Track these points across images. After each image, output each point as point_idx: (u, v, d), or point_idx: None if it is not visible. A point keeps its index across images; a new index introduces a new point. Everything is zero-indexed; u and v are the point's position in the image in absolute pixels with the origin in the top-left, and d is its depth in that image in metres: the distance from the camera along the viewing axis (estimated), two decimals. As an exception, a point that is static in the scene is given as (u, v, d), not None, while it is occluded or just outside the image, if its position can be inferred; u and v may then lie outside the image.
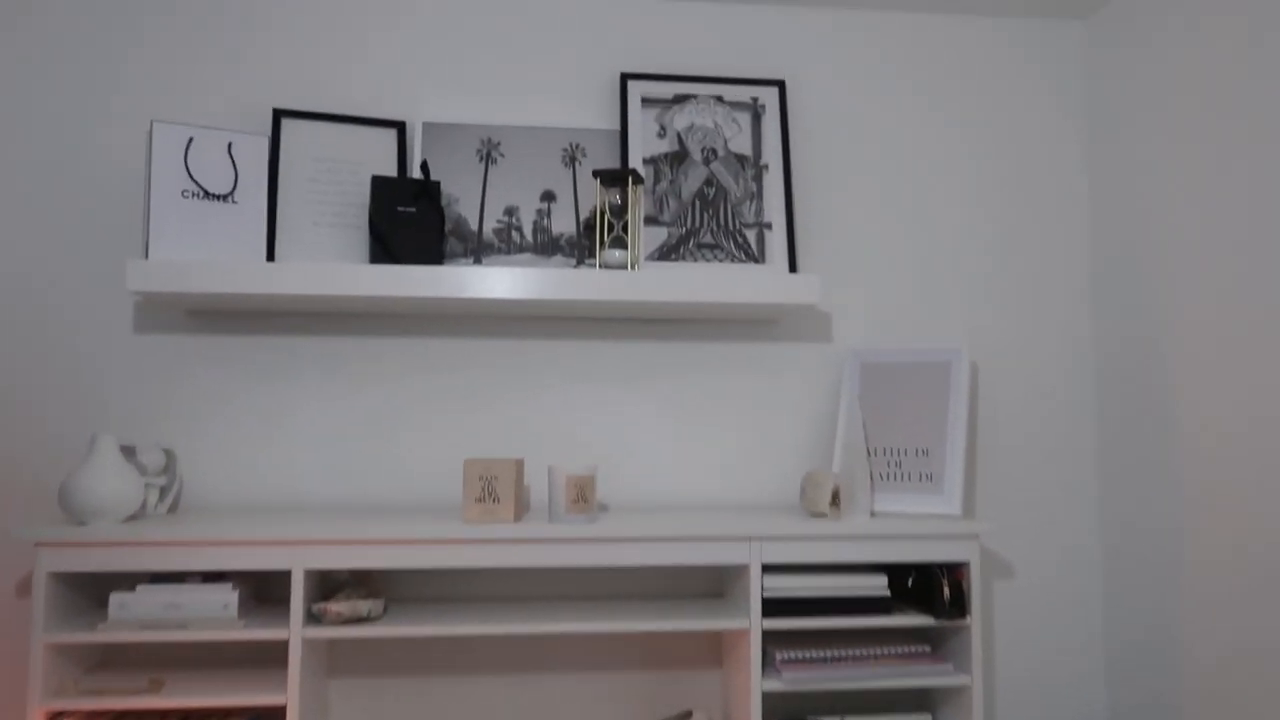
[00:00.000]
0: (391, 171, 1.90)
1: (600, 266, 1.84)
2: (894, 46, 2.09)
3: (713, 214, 1.94)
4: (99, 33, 1.91)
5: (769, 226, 1.95)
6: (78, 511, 1.56)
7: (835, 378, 2.01)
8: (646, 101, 1.98)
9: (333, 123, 1.89)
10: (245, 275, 1.68)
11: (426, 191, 1.82)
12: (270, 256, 1.78)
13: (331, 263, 1.80)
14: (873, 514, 1.81)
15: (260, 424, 1.88)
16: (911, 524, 1.69)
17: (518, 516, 1.69)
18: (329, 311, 1.89)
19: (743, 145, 1.98)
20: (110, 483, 1.56)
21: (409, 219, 1.81)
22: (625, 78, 1.98)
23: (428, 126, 1.94)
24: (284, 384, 1.89)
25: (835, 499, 1.80)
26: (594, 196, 1.94)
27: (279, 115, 1.86)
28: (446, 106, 1.98)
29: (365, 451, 1.90)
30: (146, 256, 1.69)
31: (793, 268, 1.93)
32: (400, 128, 1.92)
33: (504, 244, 1.91)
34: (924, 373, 1.89)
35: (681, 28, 2.05)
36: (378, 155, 1.91)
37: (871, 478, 1.83)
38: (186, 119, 1.90)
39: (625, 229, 1.87)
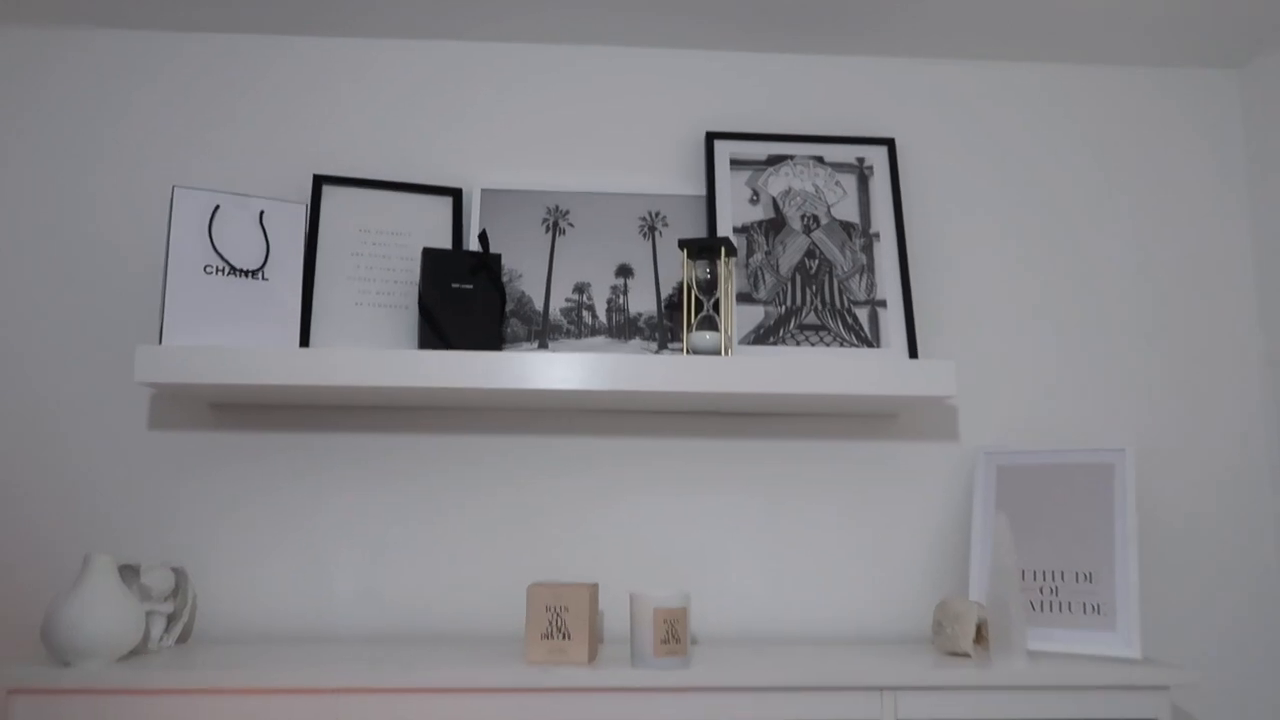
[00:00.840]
0: (445, 244, 1.66)
1: (687, 352, 1.56)
2: (1020, 101, 1.82)
3: (816, 290, 1.66)
4: (118, 93, 1.71)
5: (883, 304, 1.66)
6: (60, 650, 1.28)
7: (964, 483, 1.69)
8: (736, 163, 1.73)
9: (380, 190, 1.66)
10: (273, 363, 1.43)
11: (485, 266, 1.57)
12: (304, 341, 1.53)
13: (374, 349, 1.54)
14: (1029, 655, 1.47)
15: (288, 536, 1.61)
16: (1083, 670, 1.35)
17: (592, 656, 1.38)
18: (372, 405, 1.62)
19: (848, 211, 1.71)
20: (102, 615, 1.28)
21: (464, 297, 1.55)
22: (711, 137, 1.74)
23: (487, 194, 1.70)
24: (317, 489, 1.62)
25: (980, 635, 1.47)
26: (678, 271, 1.68)
27: (319, 181, 1.63)
28: (508, 171, 1.74)
29: (410, 571, 1.61)
30: (161, 341, 1.44)
31: (913, 352, 1.63)
32: (456, 195, 1.68)
33: (574, 326, 1.64)
34: (1078, 478, 1.57)
35: (773, 82, 1.80)
36: (430, 226, 1.66)
37: (1024, 609, 1.49)
38: (216, 185, 1.68)
39: (715, 308, 1.59)
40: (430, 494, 1.63)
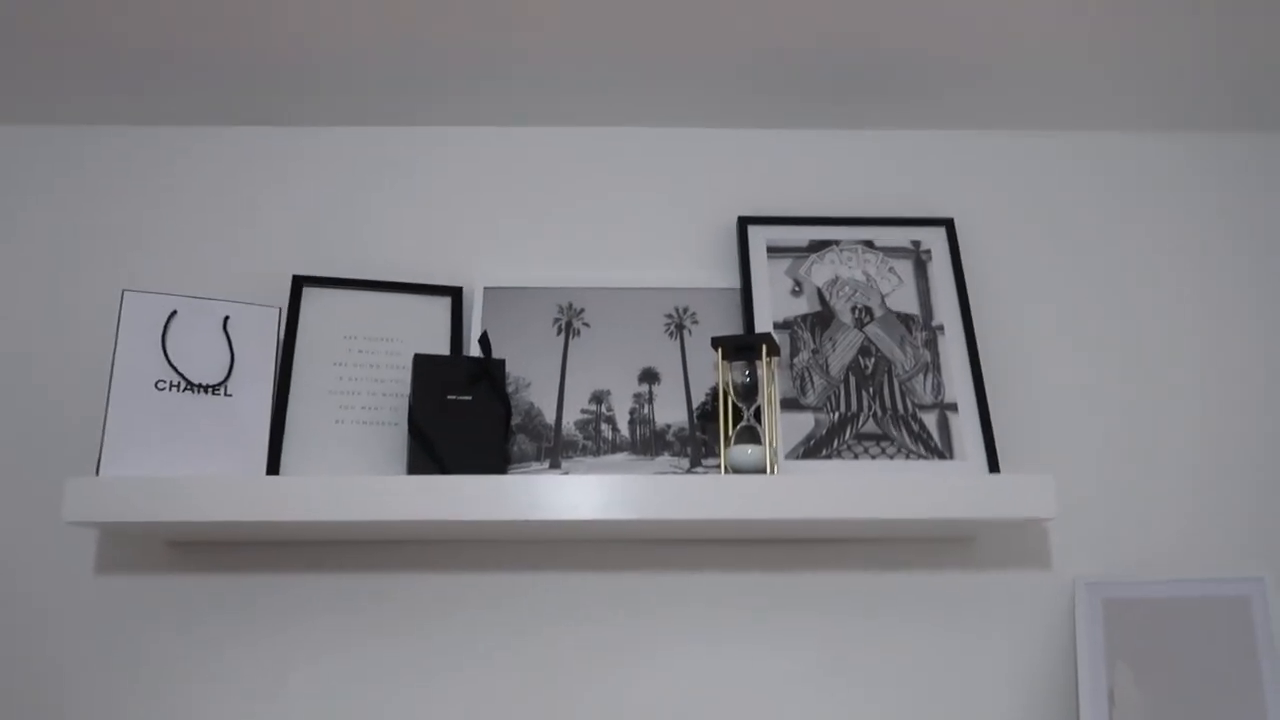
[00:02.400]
0: (443, 350, 1.44)
1: (725, 470, 1.31)
2: (1097, 172, 1.60)
3: (874, 393, 1.42)
4: (66, 189, 1.53)
5: (953, 408, 1.41)
6: None
7: (1061, 621, 1.41)
8: (774, 251, 1.51)
9: (367, 290, 1.45)
10: (232, 495, 1.20)
11: (486, 374, 1.35)
12: (274, 467, 1.30)
13: (354, 475, 1.31)
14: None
15: (255, 696, 1.34)
16: None
17: None
18: (354, 539, 1.38)
19: (906, 302, 1.48)
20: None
21: (463, 411, 1.32)
22: (744, 222, 1.53)
23: (490, 292, 1.48)
24: (289, 639, 1.36)
25: (1108, 823, 1.17)
26: (711, 375, 1.44)
27: (299, 283, 1.43)
28: (514, 266, 1.53)
29: (398, 741, 1.34)
30: (98, 471, 1.21)
31: (993, 464, 1.37)
32: (455, 294, 1.47)
33: (591, 441, 1.40)
34: (1207, 614, 1.29)
35: (811, 161, 1.60)
36: (425, 331, 1.45)
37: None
38: (177, 289, 1.48)
39: (757, 416, 1.35)
40: (424, 643, 1.37)
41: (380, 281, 1.46)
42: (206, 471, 1.25)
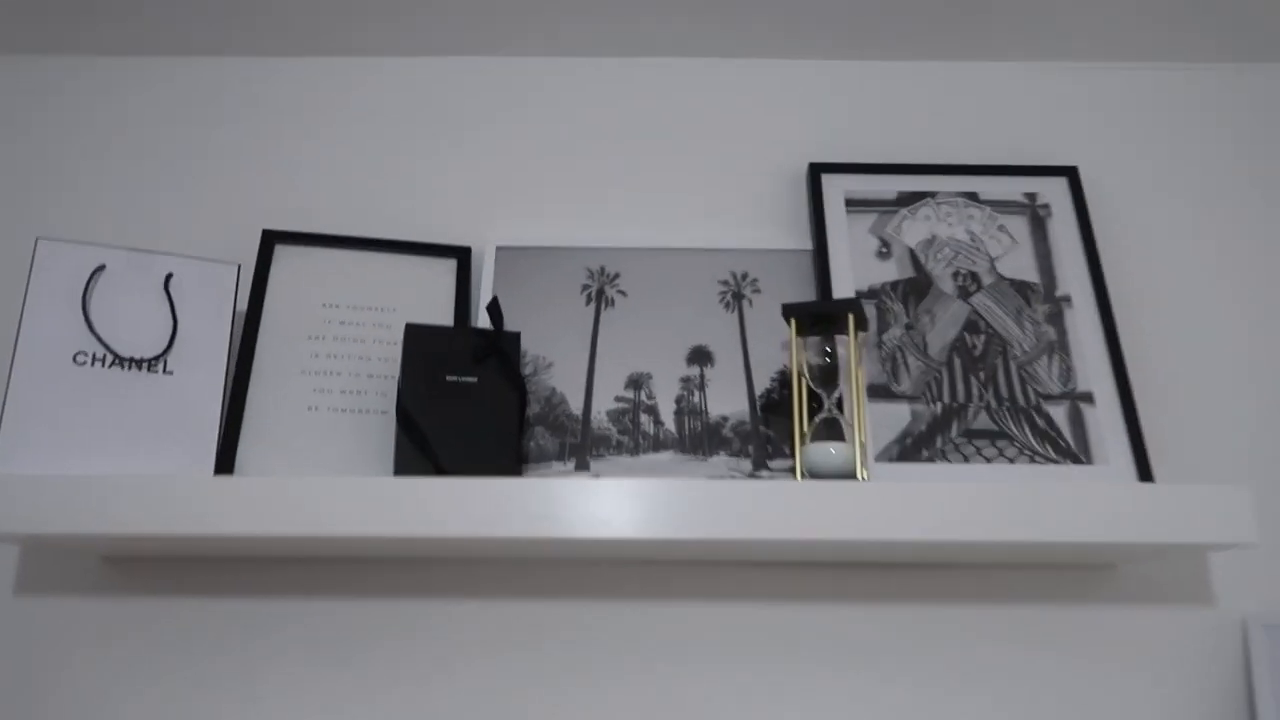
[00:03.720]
0: (446, 321, 1.16)
1: (801, 475, 1.02)
2: (1254, 108, 1.30)
3: (986, 379, 1.12)
4: None
5: (1087, 399, 1.11)
6: None
7: (1227, 669, 1.10)
8: (854, 204, 1.22)
9: (355, 250, 1.18)
10: (170, 501, 0.92)
11: (497, 350, 1.07)
12: (226, 464, 1.02)
13: (326, 477, 1.03)
14: None
15: (204, 759, 1.07)
16: None
17: None
18: (328, 556, 1.10)
19: (1022, 267, 1.18)
20: None
21: (466, 397, 1.04)
22: (817, 170, 1.23)
23: (504, 252, 1.20)
24: (246, 677, 1.08)
25: None
26: (778, 355, 1.15)
27: (270, 239, 1.16)
28: (534, 222, 1.25)
29: (381, 813, 1.06)
30: (-7, 468, 0.95)
31: (1143, 470, 1.07)
32: (463, 255, 1.20)
33: (627, 437, 1.11)
34: None
35: (898, 98, 1.31)
36: (424, 299, 1.17)
37: None
38: (111, 241, 1.21)
39: (839, 406, 1.06)
40: (416, 685, 1.08)
41: (370, 239, 1.19)
42: (137, 469, 0.97)
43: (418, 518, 0.94)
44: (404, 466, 1.01)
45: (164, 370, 1.01)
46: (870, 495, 0.95)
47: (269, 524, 0.94)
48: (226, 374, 1.04)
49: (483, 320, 1.14)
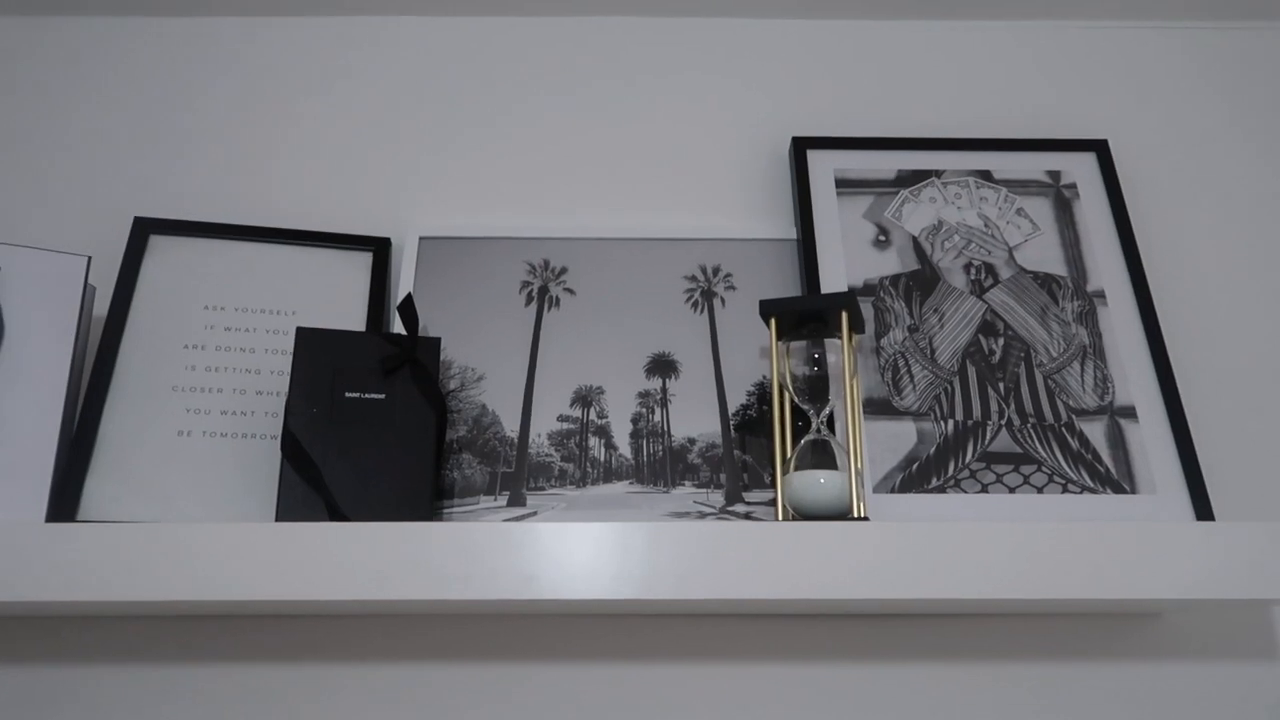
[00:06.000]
0: (359, 325, 0.96)
1: (785, 510, 0.82)
2: (1308, 71, 1.12)
3: (1008, 391, 0.93)
4: None
5: (1129, 414, 0.92)
6: None
7: (1299, 741, 0.91)
8: (847, 185, 1.03)
9: (248, 241, 0.98)
10: (-25, 555, 0.72)
11: (410, 359, 0.87)
12: (66, 506, 0.82)
13: (191, 523, 0.83)
14: None
15: None
16: None
17: None
18: (192, 614, 0.90)
19: (1045, 257, 0.99)
20: None
21: (370, 417, 0.84)
22: (801, 145, 1.04)
23: (429, 244, 1.01)
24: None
25: None
26: (756, 364, 0.96)
27: (144, 228, 0.96)
28: (463, 208, 1.06)
29: None
30: None
31: (1200, 505, 0.88)
32: (380, 248, 1.00)
33: (572, 464, 0.91)
34: None
35: (897, 63, 1.12)
36: (334, 299, 0.97)
37: None
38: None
39: (830, 425, 0.87)
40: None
41: (265, 228, 0.99)
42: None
43: (301, 577, 0.74)
44: (290, 508, 0.81)
45: (-17, 388, 0.80)
46: (869, 540, 0.75)
47: (112, 587, 0.74)
48: (71, 392, 0.84)
49: (399, 326, 0.94)
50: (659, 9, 1.12)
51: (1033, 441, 0.91)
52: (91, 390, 0.87)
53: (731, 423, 0.93)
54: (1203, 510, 0.87)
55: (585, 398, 0.94)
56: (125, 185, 1.04)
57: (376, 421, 0.85)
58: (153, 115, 1.07)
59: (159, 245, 0.96)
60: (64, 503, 0.82)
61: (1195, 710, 0.90)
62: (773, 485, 0.88)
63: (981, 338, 0.95)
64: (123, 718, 0.87)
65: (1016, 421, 0.91)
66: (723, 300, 0.99)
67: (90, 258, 0.87)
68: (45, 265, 0.85)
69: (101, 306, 0.93)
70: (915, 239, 1.00)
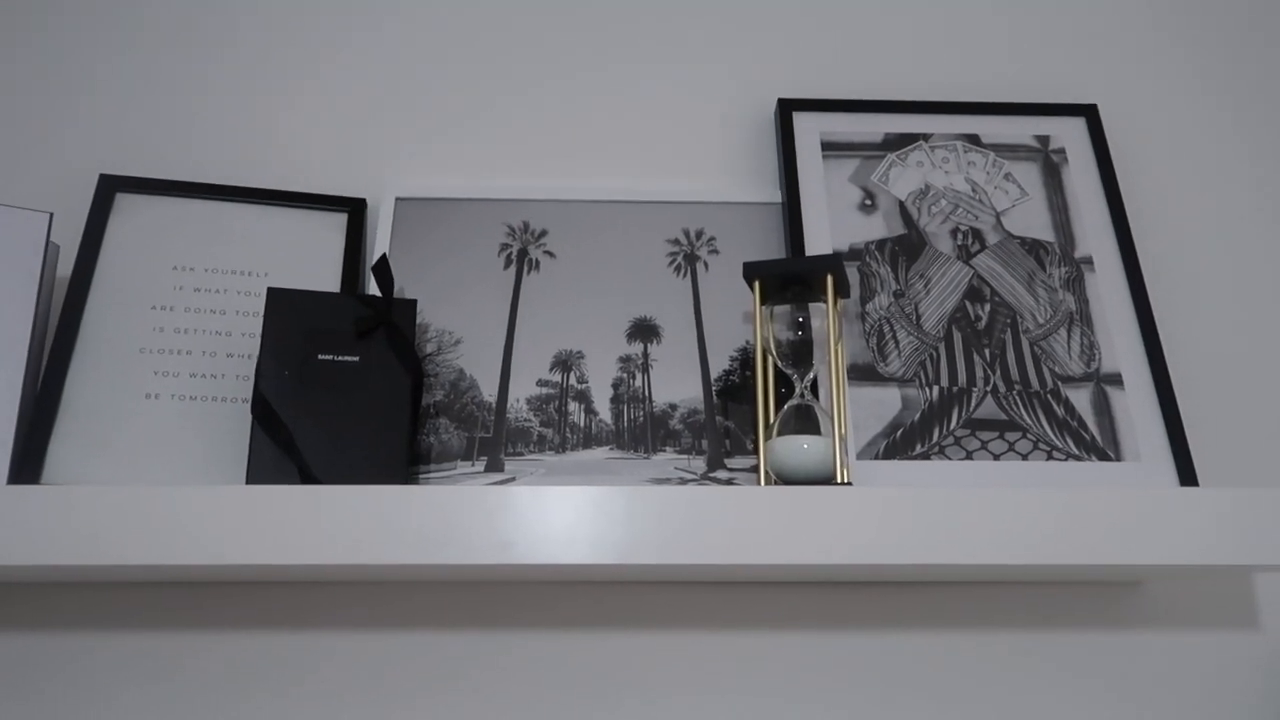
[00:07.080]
0: (332, 287, 0.93)
1: (767, 475, 0.81)
2: (1299, 37, 1.10)
3: (993, 358, 0.92)
4: None
5: (1114, 381, 0.91)
6: None
7: (1275, 703, 0.91)
8: (833, 148, 1.01)
9: (218, 200, 0.95)
10: (-69, 518, 0.70)
11: (386, 322, 0.84)
12: (30, 468, 0.80)
13: (156, 486, 0.81)
14: None
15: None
16: None
17: None
18: (160, 580, 0.88)
19: (1033, 223, 0.98)
20: None
21: (345, 381, 0.82)
22: (787, 107, 1.02)
23: (405, 205, 0.98)
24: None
25: None
26: (739, 329, 0.94)
27: (110, 186, 0.93)
28: (442, 168, 1.03)
29: None
30: None
31: (1185, 470, 0.87)
32: (355, 209, 0.97)
33: (551, 429, 0.90)
34: None
35: (885, 22, 1.10)
36: (307, 261, 0.95)
37: None
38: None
39: (814, 390, 0.85)
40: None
41: (237, 187, 0.96)
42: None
43: (272, 542, 0.72)
44: (260, 473, 0.79)
45: (-58, 348, 0.78)
46: (851, 506, 0.74)
47: (77, 551, 0.72)
48: (32, 352, 0.81)
49: (374, 288, 0.92)
50: (642, -34, 1.09)
51: (1018, 408, 0.90)
52: (55, 352, 0.84)
53: (714, 388, 0.92)
54: (1188, 477, 0.86)
55: (565, 362, 0.92)
56: (90, 140, 1.00)
57: (350, 385, 0.83)
58: (120, 68, 1.04)
59: (126, 203, 0.93)
60: (27, 466, 0.79)
61: (1177, 678, 0.90)
62: (755, 451, 0.87)
63: (968, 304, 0.94)
64: (89, 686, 0.85)
65: (1002, 388, 0.90)
66: (706, 264, 0.97)
67: (52, 214, 0.84)
68: (3, 220, 0.82)
69: (66, 266, 0.91)
70: (902, 203, 0.98)
